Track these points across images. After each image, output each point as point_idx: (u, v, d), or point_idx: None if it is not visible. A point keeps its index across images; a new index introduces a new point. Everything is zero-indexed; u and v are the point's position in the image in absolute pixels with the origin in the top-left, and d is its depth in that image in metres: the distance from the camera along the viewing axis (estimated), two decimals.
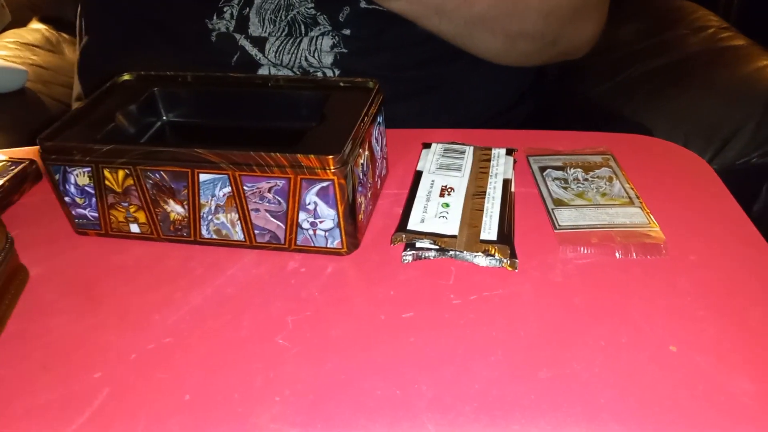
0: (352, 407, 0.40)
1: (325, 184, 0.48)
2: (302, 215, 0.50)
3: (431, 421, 0.39)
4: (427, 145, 0.62)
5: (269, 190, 0.50)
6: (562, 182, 0.58)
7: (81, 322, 0.48)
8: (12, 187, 0.61)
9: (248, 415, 0.40)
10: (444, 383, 0.41)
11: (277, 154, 0.48)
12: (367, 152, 0.53)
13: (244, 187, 0.50)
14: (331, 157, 0.47)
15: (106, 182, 0.52)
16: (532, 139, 0.66)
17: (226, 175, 0.49)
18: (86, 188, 0.53)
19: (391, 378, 0.42)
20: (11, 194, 0.61)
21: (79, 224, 0.56)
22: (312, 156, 0.47)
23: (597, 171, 0.59)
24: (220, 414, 0.40)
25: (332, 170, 0.47)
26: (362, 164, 0.52)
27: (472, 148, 0.61)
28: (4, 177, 0.61)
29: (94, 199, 0.54)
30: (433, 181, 0.57)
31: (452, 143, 0.62)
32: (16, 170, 0.62)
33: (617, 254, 0.50)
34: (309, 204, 0.50)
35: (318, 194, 0.49)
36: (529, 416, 0.39)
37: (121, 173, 0.51)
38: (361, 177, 0.52)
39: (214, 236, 0.53)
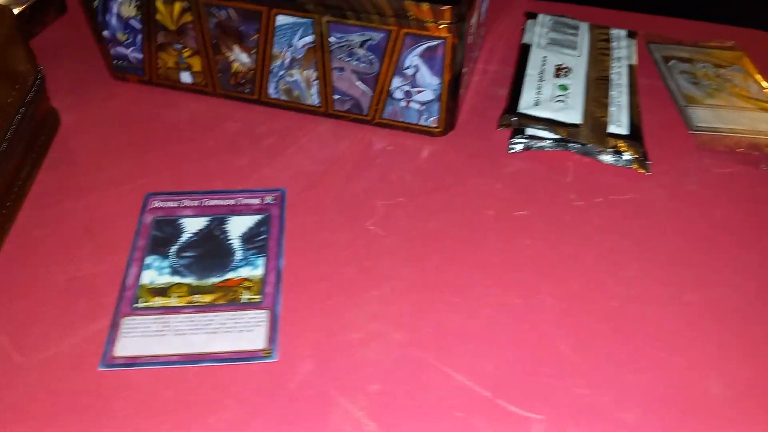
0: (463, 312, 0.33)
1: (433, 43, 0.39)
2: (396, 81, 0.41)
3: (561, 338, 0.32)
4: (532, 15, 0.53)
5: (361, 45, 0.40)
6: (691, 77, 0.49)
7: (126, 184, 0.40)
8: (32, 16, 0.51)
9: (343, 310, 0.33)
10: (573, 297, 0.34)
11: None
12: (477, 11, 0.44)
13: (331, 38, 0.40)
14: (448, 8, 0.37)
15: (158, 16, 0.42)
16: (648, 23, 0.56)
17: (310, 20, 0.40)
18: (131, 22, 0.43)
19: (507, 284, 0.35)
20: (32, 25, 0.51)
21: (117, 66, 0.46)
22: (425, 4, 0.38)
23: (729, 68, 0.50)
24: (310, 304, 0.33)
25: (446, 25, 0.38)
26: (472, 25, 0.43)
27: (586, 24, 0.52)
28: (23, 3, 0.50)
29: (140, 37, 0.44)
30: (545, 57, 0.47)
31: (562, 16, 0.53)
32: None
33: (763, 167, 0.43)
34: (408, 67, 0.40)
35: (423, 56, 0.40)
36: (676, 344, 0.32)
37: (177, 6, 0.41)
38: (469, 41, 0.43)
39: (283, 97, 0.44)
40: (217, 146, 0.42)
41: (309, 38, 0.41)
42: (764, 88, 0.48)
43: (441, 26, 0.38)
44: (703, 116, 0.45)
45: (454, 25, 0.38)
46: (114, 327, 0.32)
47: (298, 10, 0.40)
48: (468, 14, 0.39)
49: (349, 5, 0.38)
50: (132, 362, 0.31)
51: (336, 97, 0.43)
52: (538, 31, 0.50)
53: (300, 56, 0.42)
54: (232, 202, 0.38)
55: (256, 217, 0.38)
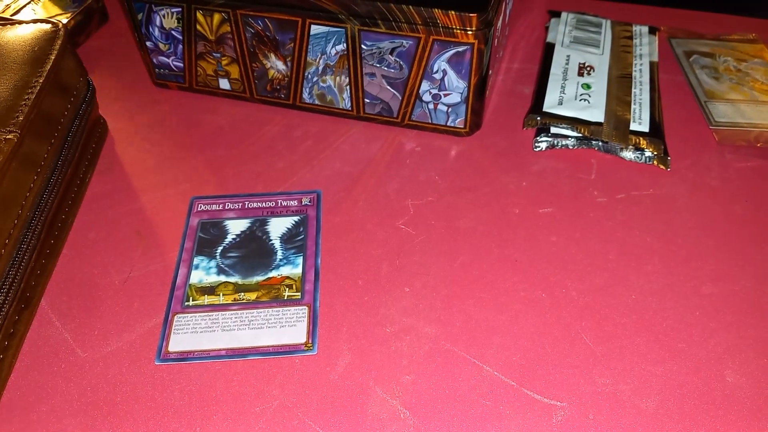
0: (491, 306, 0.35)
1: (461, 48, 0.41)
2: (425, 85, 0.43)
3: (585, 330, 0.34)
4: (556, 14, 0.54)
5: (391, 52, 0.42)
6: (712, 71, 0.50)
7: (172, 188, 0.43)
8: (77, 27, 0.54)
9: (378, 305, 0.35)
10: (596, 291, 0.36)
11: (410, 7, 0.40)
12: (502, 14, 0.45)
13: (362, 46, 0.42)
14: (475, 15, 0.39)
15: (198, 27, 0.45)
16: (669, 18, 0.57)
17: (343, 29, 0.42)
18: (173, 33, 0.46)
19: (533, 279, 0.37)
20: (76, 35, 0.54)
21: (159, 74, 0.49)
22: (452, 12, 0.39)
23: (750, 62, 0.51)
24: (346, 300, 0.36)
25: (473, 32, 0.40)
26: (498, 29, 0.44)
27: (608, 21, 0.53)
28: (68, 15, 0.53)
29: (180, 47, 0.46)
30: (568, 56, 0.49)
31: (584, 13, 0.54)
32: (81, 8, 0.54)
33: None
34: (436, 72, 0.42)
35: (450, 61, 0.41)
36: (695, 335, 0.34)
37: (216, 17, 0.44)
38: (495, 45, 0.44)
39: (317, 101, 0.47)
40: (256, 150, 0.45)
41: (342, 46, 0.43)
42: None
43: (468, 32, 0.40)
44: (723, 111, 0.46)
45: (481, 31, 0.40)
46: (167, 324, 0.35)
47: (333, 21, 0.42)
48: (494, 20, 0.41)
49: (381, 14, 0.40)
50: (184, 357, 0.33)
51: (367, 101, 0.45)
52: (562, 30, 0.51)
53: (333, 63, 0.44)
54: (271, 204, 0.41)
55: (295, 218, 0.40)
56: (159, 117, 0.48)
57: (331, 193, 0.42)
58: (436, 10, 0.39)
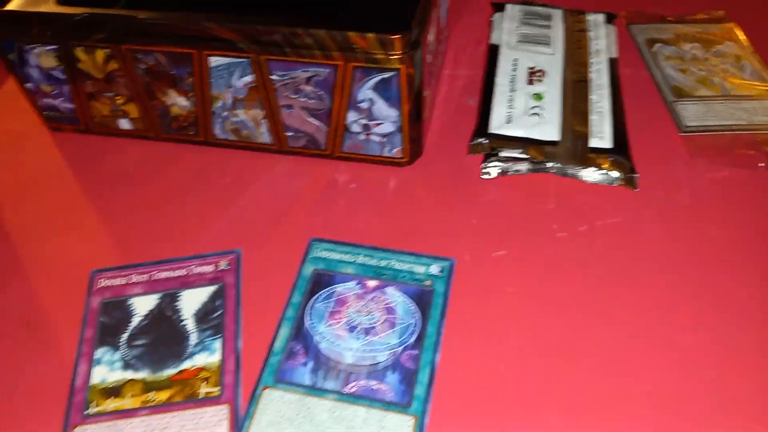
0: (441, 372, 0.31)
1: (386, 75, 0.35)
2: (352, 115, 0.37)
3: (547, 406, 0.30)
4: (500, 7, 0.48)
5: (307, 81, 0.36)
6: (678, 63, 0.45)
7: (68, 257, 0.37)
8: None
9: None
10: (557, 353, 0.31)
11: (320, 30, 0.34)
12: (434, 24, 0.39)
13: (273, 76, 0.36)
14: (397, 36, 0.33)
15: (80, 66, 0.38)
16: None
17: (247, 59, 0.36)
18: (53, 73, 0.39)
19: (487, 341, 0.32)
20: None
21: (48, 117, 0.43)
22: (370, 35, 0.33)
23: (719, 47, 0.46)
24: None
25: (398, 56, 0.34)
26: (430, 42, 0.38)
27: (560, 11, 0.47)
28: None
29: (66, 87, 0.40)
30: (515, 60, 0.43)
31: (532, 4, 0.48)
32: None
33: (760, 165, 0.39)
34: (362, 102, 0.36)
35: (376, 88, 0.36)
36: (667, 398, 0.30)
37: (100, 54, 0.37)
38: (429, 60, 0.38)
39: (232, 137, 0.41)
40: (166, 196, 0.39)
41: (249, 77, 0.36)
42: (756, 66, 0.44)
43: (392, 57, 0.34)
44: (693, 113, 0.41)
45: (407, 54, 0.34)
46: None
47: (231, 50, 0.35)
48: (422, 38, 0.35)
49: (286, 41, 0.34)
50: None
51: (289, 134, 0.39)
52: (507, 27, 0.45)
53: (242, 96, 0.38)
54: (183, 272, 0.35)
55: (210, 289, 0.35)
56: (53, 165, 0.42)
57: (253, 248, 0.36)
58: (352, 33, 0.33)
